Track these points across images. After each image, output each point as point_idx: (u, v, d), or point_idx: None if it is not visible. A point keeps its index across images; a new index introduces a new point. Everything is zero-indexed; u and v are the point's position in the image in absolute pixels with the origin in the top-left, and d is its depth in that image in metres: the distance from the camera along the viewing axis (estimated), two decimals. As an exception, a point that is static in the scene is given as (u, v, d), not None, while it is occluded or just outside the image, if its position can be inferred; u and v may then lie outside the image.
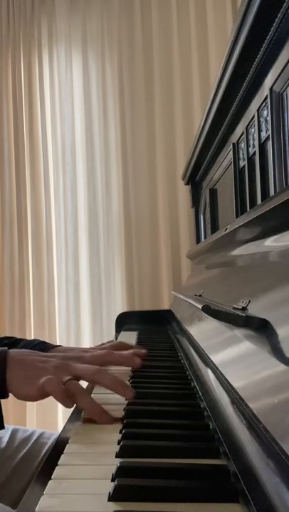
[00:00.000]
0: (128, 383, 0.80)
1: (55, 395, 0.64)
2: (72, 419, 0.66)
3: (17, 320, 2.54)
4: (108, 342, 1.12)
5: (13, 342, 1.05)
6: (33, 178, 2.63)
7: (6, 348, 0.71)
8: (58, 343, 2.45)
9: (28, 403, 2.49)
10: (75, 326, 2.51)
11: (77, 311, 2.55)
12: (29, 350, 0.78)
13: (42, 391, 0.66)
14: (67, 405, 0.64)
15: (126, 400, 0.67)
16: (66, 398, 0.64)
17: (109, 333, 2.36)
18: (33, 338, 2.48)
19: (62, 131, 2.60)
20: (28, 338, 2.42)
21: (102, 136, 2.56)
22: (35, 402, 2.50)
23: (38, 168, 2.63)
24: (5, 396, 0.69)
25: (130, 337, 1.42)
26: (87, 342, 2.49)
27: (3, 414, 0.69)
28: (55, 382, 0.65)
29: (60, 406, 2.51)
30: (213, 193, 1.60)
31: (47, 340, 1.09)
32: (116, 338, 1.48)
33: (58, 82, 2.62)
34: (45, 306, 2.56)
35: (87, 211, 2.57)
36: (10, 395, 0.70)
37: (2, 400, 0.69)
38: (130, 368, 0.91)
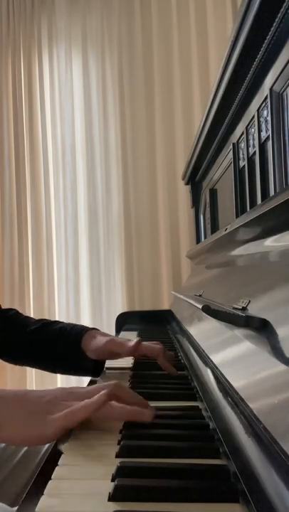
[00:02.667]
0: (128, 384, 0.80)
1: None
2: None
3: (17, 320, 2.54)
4: None
5: (52, 322, 1.02)
6: (33, 178, 2.64)
7: None
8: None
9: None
10: (75, 326, 2.51)
11: (77, 311, 2.55)
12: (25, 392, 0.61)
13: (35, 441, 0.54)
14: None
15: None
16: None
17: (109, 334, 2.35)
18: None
19: (62, 131, 2.60)
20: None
21: (102, 136, 2.56)
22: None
23: (38, 168, 2.63)
24: None
25: (130, 337, 1.41)
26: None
27: None
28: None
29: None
30: (213, 193, 1.60)
31: None
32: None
33: (58, 82, 2.62)
34: (45, 306, 2.56)
35: (87, 211, 2.57)
36: None
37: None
38: (130, 368, 0.91)
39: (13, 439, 0.56)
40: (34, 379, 2.53)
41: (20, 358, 1.04)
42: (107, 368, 0.93)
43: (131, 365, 0.93)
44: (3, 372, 2.52)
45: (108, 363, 0.94)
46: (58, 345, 0.95)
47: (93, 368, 0.91)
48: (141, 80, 2.50)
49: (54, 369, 1.05)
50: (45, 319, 1.06)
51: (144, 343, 0.90)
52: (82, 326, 0.97)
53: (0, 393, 0.57)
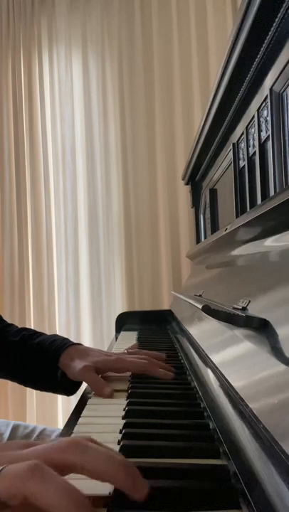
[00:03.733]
0: (128, 384, 0.80)
1: None
2: (73, 416, 0.66)
3: (17, 320, 2.54)
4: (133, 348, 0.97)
5: (31, 335, 0.96)
6: (33, 179, 2.64)
7: None
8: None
9: (28, 399, 2.48)
10: (75, 326, 2.51)
11: (77, 311, 2.55)
12: None
13: None
14: None
15: None
16: None
17: (109, 333, 2.36)
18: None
19: (63, 131, 2.60)
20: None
21: (102, 136, 2.57)
22: (34, 397, 2.51)
23: (38, 168, 2.64)
24: None
25: (130, 337, 1.42)
26: (87, 342, 2.49)
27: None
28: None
29: (60, 404, 2.52)
30: (213, 193, 1.60)
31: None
32: (116, 339, 1.48)
33: (58, 82, 2.62)
34: (45, 306, 2.56)
35: (87, 211, 2.57)
36: None
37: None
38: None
39: None
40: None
41: None
42: None
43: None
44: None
45: None
46: (35, 363, 0.90)
47: (71, 385, 0.86)
48: (141, 80, 2.50)
49: (32, 386, 0.97)
50: (25, 330, 0.99)
51: (129, 358, 0.84)
52: (62, 341, 0.89)
53: None
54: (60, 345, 0.87)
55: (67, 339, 0.91)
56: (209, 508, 0.39)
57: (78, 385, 0.87)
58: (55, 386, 0.89)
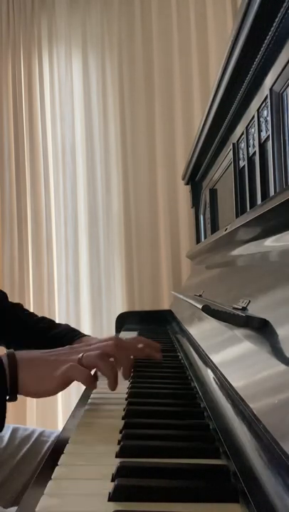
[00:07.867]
0: (128, 383, 0.80)
1: (81, 380, 0.67)
2: (72, 418, 0.66)
3: (17, 320, 2.54)
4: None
5: (50, 325, 1.17)
6: (33, 178, 2.63)
7: (12, 350, 0.71)
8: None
9: (28, 401, 2.48)
10: (75, 326, 2.50)
11: (77, 311, 2.55)
12: (36, 350, 0.77)
13: (61, 382, 0.67)
14: (94, 387, 0.71)
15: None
16: (92, 381, 0.68)
17: (109, 334, 2.36)
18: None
19: (63, 131, 2.60)
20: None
21: (102, 136, 2.56)
22: (35, 400, 2.50)
23: (38, 168, 2.63)
24: (14, 399, 0.68)
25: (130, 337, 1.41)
26: (87, 342, 2.48)
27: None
28: (77, 367, 0.68)
29: (60, 404, 2.52)
30: (213, 193, 1.60)
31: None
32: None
33: (58, 82, 2.62)
34: (45, 306, 2.56)
35: (87, 211, 2.57)
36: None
37: None
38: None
39: (33, 393, 0.69)
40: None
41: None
42: None
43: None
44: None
45: None
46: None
47: None
48: (141, 80, 2.50)
49: None
50: (42, 321, 1.20)
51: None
52: (74, 334, 1.11)
53: (19, 354, 0.70)
54: (72, 336, 1.09)
55: (76, 331, 1.14)
56: (209, 507, 0.39)
57: None
58: None
